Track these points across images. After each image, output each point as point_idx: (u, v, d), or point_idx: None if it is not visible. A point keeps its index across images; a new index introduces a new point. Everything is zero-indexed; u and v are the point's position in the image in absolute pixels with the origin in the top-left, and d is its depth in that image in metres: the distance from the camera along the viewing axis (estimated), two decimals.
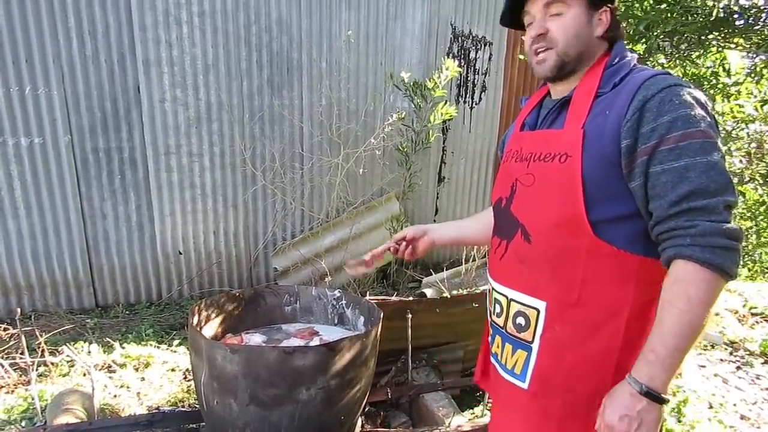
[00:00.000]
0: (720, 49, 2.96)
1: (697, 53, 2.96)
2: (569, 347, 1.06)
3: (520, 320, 1.12)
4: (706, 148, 0.93)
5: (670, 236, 0.95)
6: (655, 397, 0.93)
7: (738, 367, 3.17)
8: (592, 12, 1.09)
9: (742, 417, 2.63)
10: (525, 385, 1.12)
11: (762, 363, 3.24)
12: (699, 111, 0.95)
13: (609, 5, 1.10)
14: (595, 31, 1.10)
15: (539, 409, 1.10)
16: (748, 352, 3.35)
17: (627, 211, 1.02)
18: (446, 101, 4.05)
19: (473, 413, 2.52)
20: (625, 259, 1.02)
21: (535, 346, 1.10)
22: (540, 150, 1.11)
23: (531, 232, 1.09)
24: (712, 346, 3.42)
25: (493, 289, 1.23)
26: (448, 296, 3.33)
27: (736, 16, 2.74)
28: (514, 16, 1.19)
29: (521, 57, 3.51)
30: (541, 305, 1.08)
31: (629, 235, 1.02)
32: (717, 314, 3.72)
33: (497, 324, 1.21)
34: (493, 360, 1.25)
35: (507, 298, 1.16)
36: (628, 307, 1.03)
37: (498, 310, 1.20)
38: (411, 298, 3.17)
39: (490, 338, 1.26)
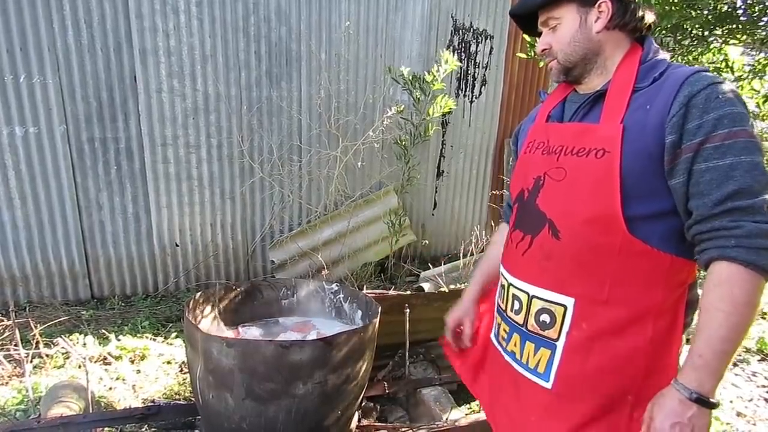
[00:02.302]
0: (721, 45, 2.94)
1: (700, 49, 2.93)
2: (596, 346, 1.04)
3: (545, 317, 1.09)
4: (750, 147, 0.92)
5: (712, 236, 0.93)
6: (705, 402, 0.91)
7: (734, 364, 3.17)
8: (586, 10, 1.08)
9: (738, 414, 2.63)
10: (549, 385, 1.09)
11: (758, 360, 3.25)
12: (742, 109, 0.94)
13: None
14: (594, 28, 1.08)
15: (563, 409, 1.08)
16: (744, 349, 3.35)
17: (663, 208, 1.00)
18: (446, 94, 4.02)
19: (470, 408, 2.52)
20: (657, 257, 1.00)
21: (561, 344, 1.07)
22: (572, 144, 1.08)
23: (560, 228, 1.07)
24: None
25: (510, 285, 1.19)
26: (446, 290, 3.32)
27: (740, 12, 2.71)
28: (533, 27, 1.22)
29: (521, 55, 3.47)
30: (569, 302, 1.06)
31: (663, 234, 1.01)
32: None
33: (515, 321, 1.17)
34: (508, 358, 1.21)
35: (528, 294, 1.12)
36: (657, 307, 1.01)
37: (516, 306, 1.16)
38: (409, 293, 3.16)
39: (506, 336, 1.22)
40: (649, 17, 1.11)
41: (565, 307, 1.06)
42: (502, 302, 1.24)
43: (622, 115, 1.01)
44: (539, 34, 1.21)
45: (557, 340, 1.07)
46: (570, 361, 1.06)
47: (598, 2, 1.07)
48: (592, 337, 1.04)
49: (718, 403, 0.94)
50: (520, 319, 1.15)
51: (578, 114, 1.13)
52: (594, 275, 1.03)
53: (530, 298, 1.12)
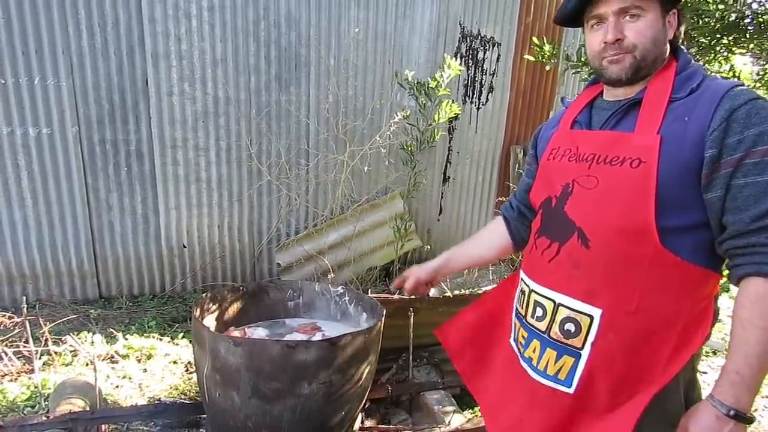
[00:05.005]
0: (728, 54, 2.95)
1: (707, 58, 2.94)
2: (622, 356, 1.04)
3: (570, 326, 1.09)
4: None
5: (748, 252, 0.93)
6: (742, 418, 0.92)
7: None
8: (664, 14, 1.07)
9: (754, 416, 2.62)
10: (571, 390, 1.09)
11: None
12: None
13: (677, 7, 1.08)
14: (668, 34, 1.08)
15: (581, 408, 1.09)
16: None
17: (695, 220, 1.00)
18: (453, 100, 4.04)
19: (473, 412, 2.52)
20: (687, 269, 1.00)
21: (585, 353, 1.07)
22: (605, 152, 1.07)
23: (590, 237, 1.06)
24: (714, 353, 3.41)
25: (533, 291, 1.18)
26: (451, 295, 3.33)
27: (747, 21, 2.72)
28: (574, 14, 1.14)
29: (529, 58, 3.49)
30: (596, 312, 1.05)
31: (694, 246, 1.01)
32: (719, 321, 3.71)
33: (536, 328, 1.16)
34: (524, 364, 1.21)
35: (554, 302, 1.11)
36: (684, 318, 1.01)
37: (540, 313, 1.15)
38: (413, 297, 3.17)
39: (524, 342, 1.21)
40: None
41: (592, 318, 1.05)
42: (522, 308, 1.23)
43: (659, 126, 1.01)
44: (580, 25, 1.15)
45: (582, 349, 1.07)
46: (594, 369, 1.06)
47: (671, 12, 1.07)
48: (618, 347, 1.04)
49: (755, 418, 0.95)
50: (542, 326, 1.14)
51: (610, 122, 1.11)
52: (623, 285, 1.03)
53: (556, 306, 1.11)
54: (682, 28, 1.11)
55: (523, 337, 1.22)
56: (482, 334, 1.43)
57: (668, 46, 1.09)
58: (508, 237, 1.47)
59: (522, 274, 1.25)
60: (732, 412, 0.92)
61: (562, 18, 1.17)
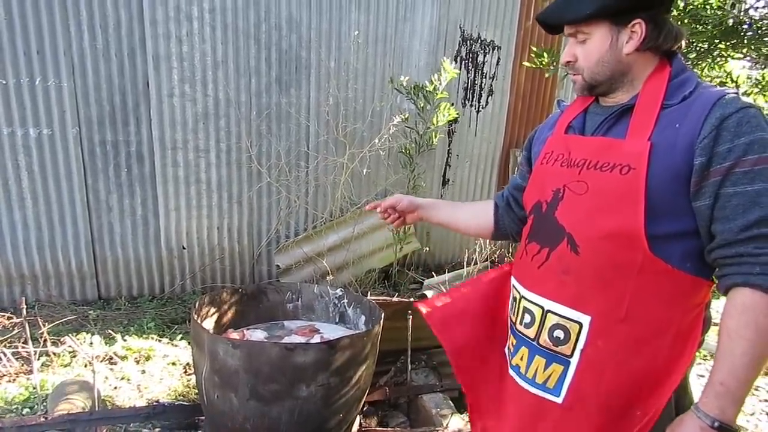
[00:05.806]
0: (725, 59, 2.97)
1: (705, 63, 2.96)
2: (611, 364, 1.03)
3: (559, 333, 1.07)
4: None
5: (736, 262, 0.93)
6: (727, 430, 0.91)
7: None
8: (618, 29, 1.04)
9: (740, 428, 2.63)
10: (559, 400, 1.07)
11: (761, 374, 3.23)
12: None
13: (641, 16, 1.02)
14: (624, 49, 1.05)
15: (572, 423, 1.08)
16: None
17: (684, 228, 0.99)
18: (452, 103, 4.05)
19: None
20: (677, 277, 0.99)
21: (575, 360, 1.06)
22: (596, 158, 1.06)
23: (579, 243, 1.05)
24: (712, 356, 3.42)
25: (523, 297, 1.16)
26: None
27: (745, 26, 2.74)
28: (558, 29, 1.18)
29: (527, 64, 3.51)
30: (585, 319, 1.04)
31: (683, 254, 1.00)
32: (717, 324, 3.71)
33: (524, 335, 1.15)
34: (512, 372, 1.19)
35: (543, 309, 1.10)
36: (675, 326, 1.00)
37: (527, 320, 1.14)
38: (412, 300, 3.18)
39: (513, 349, 1.20)
40: (681, 38, 1.07)
41: (581, 325, 1.04)
42: (513, 315, 1.21)
43: (650, 132, 1.00)
44: (562, 31, 1.16)
45: (571, 356, 1.06)
46: (584, 378, 1.05)
47: (632, 23, 1.02)
48: (607, 355, 1.03)
49: (740, 430, 0.94)
50: (531, 333, 1.13)
51: (602, 127, 1.11)
52: (613, 292, 1.02)
53: (545, 312, 1.10)
54: (678, 36, 1.06)
55: (512, 344, 1.21)
56: (481, 329, 1.36)
57: (637, 57, 1.05)
58: (492, 221, 1.48)
59: (513, 281, 1.24)
60: (717, 424, 0.91)
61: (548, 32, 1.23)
